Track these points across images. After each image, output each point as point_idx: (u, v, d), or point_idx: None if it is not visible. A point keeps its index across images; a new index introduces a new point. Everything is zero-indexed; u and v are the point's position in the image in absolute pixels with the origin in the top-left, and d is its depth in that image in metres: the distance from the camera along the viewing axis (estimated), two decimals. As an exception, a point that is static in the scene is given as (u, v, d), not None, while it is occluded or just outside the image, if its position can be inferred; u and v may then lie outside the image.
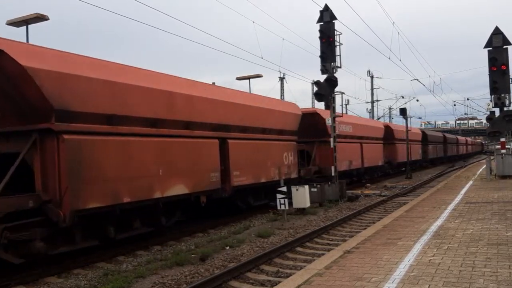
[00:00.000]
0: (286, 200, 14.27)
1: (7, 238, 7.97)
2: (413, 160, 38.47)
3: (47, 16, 11.93)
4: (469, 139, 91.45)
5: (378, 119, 54.19)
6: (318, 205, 17.54)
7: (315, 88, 20.11)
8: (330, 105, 20.45)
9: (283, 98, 50.02)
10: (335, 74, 19.63)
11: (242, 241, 11.35)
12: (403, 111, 36.00)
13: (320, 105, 26.90)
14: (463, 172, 33.82)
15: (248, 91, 23.57)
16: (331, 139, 19.92)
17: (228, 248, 10.68)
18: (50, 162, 8.77)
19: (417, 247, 7.90)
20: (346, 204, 18.44)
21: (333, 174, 19.58)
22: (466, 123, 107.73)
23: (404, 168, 36.71)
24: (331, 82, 19.46)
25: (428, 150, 46.47)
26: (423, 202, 14.89)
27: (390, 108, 64.64)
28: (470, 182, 22.01)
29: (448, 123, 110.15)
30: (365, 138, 27.59)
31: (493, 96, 23.51)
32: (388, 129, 34.18)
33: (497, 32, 22.95)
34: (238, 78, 24.49)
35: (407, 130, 36.26)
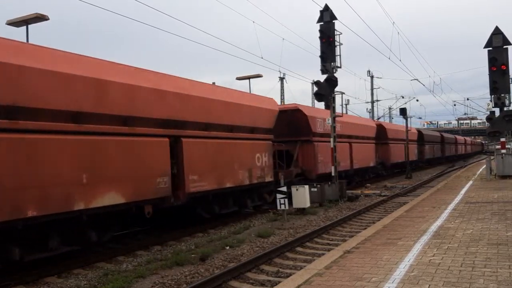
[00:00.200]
0: (286, 200, 14.27)
1: None
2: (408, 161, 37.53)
3: (47, 16, 11.93)
4: (468, 139, 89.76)
5: (378, 119, 54.15)
6: (318, 205, 17.54)
7: (315, 88, 20.11)
8: (330, 105, 20.45)
9: (283, 98, 50.11)
10: (335, 74, 19.63)
11: (242, 241, 11.35)
12: (403, 111, 36.01)
13: (320, 105, 26.58)
14: (463, 172, 33.81)
15: (248, 91, 23.54)
16: (331, 139, 19.90)
17: (228, 248, 10.69)
18: None
19: (417, 247, 7.91)
20: (346, 204, 18.45)
21: (333, 174, 19.57)
22: (468, 123, 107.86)
23: (398, 169, 35.83)
24: (331, 82, 19.46)
25: (425, 150, 45.10)
26: (423, 202, 14.89)
27: (390, 108, 64.75)
28: (470, 182, 22.02)
29: (451, 123, 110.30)
30: (355, 138, 25.91)
31: (493, 96, 23.53)
32: (380, 128, 32.48)
33: (497, 32, 22.96)
34: (238, 78, 24.48)
35: (407, 130, 36.26)
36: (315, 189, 17.83)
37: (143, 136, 10.69)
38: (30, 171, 8.07)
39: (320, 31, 19.67)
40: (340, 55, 19.83)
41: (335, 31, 19.71)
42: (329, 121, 20.09)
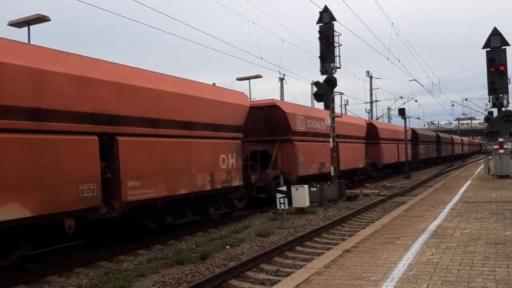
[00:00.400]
0: (286, 199, 14.33)
1: None
2: (402, 162, 35.85)
3: (49, 17, 11.98)
4: (465, 138, 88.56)
5: (377, 119, 54.26)
6: (318, 204, 17.60)
7: (315, 89, 20.17)
8: (329, 106, 20.52)
9: (283, 98, 50.13)
10: (334, 75, 19.69)
11: (242, 240, 11.41)
12: (401, 111, 36.10)
13: (320, 105, 26.53)
14: (461, 171, 33.89)
15: (248, 92, 23.54)
16: (330, 139, 19.96)
17: (228, 247, 10.75)
18: None
19: (416, 246, 7.97)
20: (345, 204, 18.52)
21: (332, 174, 19.63)
22: (469, 123, 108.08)
23: (390, 171, 34.81)
24: (331, 82, 19.52)
25: (419, 150, 43.46)
26: (422, 201, 14.96)
27: (389, 109, 64.88)
28: (468, 182, 22.09)
29: (451, 123, 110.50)
30: (342, 137, 23.95)
31: (491, 96, 23.59)
32: (371, 127, 30.39)
33: (495, 33, 23.03)
34: (238, 79, 24.60)
35: (406, 130, 36.32)
36: (315, 189, 17.90)
37: (58, 133, 8.68)
38: None
39: (320, 32, 19.74)
40: (339, 56, 19.90)
41: (334, 32, 19.78)
42: (328, 121, 20.14)
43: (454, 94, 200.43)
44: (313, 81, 26.63)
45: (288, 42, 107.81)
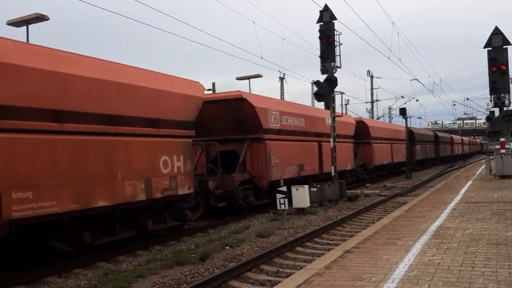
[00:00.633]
0: (286, 200, 14.28)
1: None
2: (396, 163, 34.48)
3: (47, 16, 11.95)
4: (465, 138, 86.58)
5: (378, 118, 54.21)
6: (318, 205, 17.55)
7: (315, 88, 20.13)
8: (330, 105, 20.47)
9: (283, 98, 50.08)
10: (335, 74, 19.65)
11: (242, 241, 11.37)
12: (402, 111, 36.06)
13: (320, 105, 26.28)
14: (463, 172, 33.84)
15: (248, 91, 23.38)
16: (331, 139, 19.88)
17: (228, 248, 10.70)
18: None
19: (417, 247, 7.92)
20: (346, 204, 18.47)
21: (333, 174, 19.59)
22: (473, 123, 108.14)
23: (383, 172, 33.33)
24: (331, 82, 19.48)
25: (416, 151, 41.11)
26: (423, 202, 14.91)
27: (389, 108, 64.80)
28: (470, 182, 22.04)
29: (456, 123, 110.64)
30: (326, 136, 21.17)
31: (492, 96, 23.55)
32: (361, 126, 28.05)
33: (496, 32, 22.98)
34: (238, 78, 24.54)
35: (407, 130, 36.24)
36: (315, 189, 17.85)
37: None
38: None
39: (320, 31, 19.70)
40: (340, 55, 19.87)
41: (335, 31, 19.74)
42: (328, 121, 20.08)
43: (455, 94, 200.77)
44: (313, 80, 26.49)
45: (289, 41, 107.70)
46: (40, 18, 11.75)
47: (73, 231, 9.25)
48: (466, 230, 9.25)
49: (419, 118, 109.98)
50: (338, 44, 19.89)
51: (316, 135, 20.66)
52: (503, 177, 22.72)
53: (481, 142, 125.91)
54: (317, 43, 19.81)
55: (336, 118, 22.40)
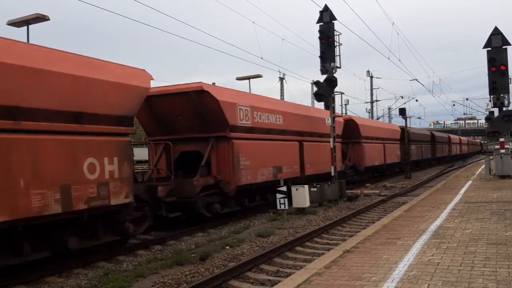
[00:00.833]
0: (286, 200, 14.30)
1: None
2: (389, 164, 32.76)
3: (48, 16, 11.96)
4: (464, 138, 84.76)
5: (378, 119, 54.19)
6: (318, 205, 17.56)
7: (315, 88, 20.15)
8: (329, 105, 20.50)
9: (283, 98, 50.11)
10: (334, 74, 19.68)
11: (242, 240, 11.38)
12: (402, 111, 36.11)
13: (320, 105, 26.19)
14: (462, 172, 33.85)
15: (248, 91, 23.34)
16: (331, 139, 19.89)
17: (228, 247, 10.72)
18: None
19: (417, 246, 7.94)
20: (346, 204, 18.48)
21: (332, 174, 19.60)
22: (475, 122, 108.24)
23: (377, 174, 31.84)
24: (331, 82, 19.51)
25: (410, 151, 38.76)
26: (423, 201, 14.93)
27: (389, 108, 64.84)
28: (469, 182, 22.06)
29: (458, 123, 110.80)
30: (309, 135, 19.96)
31: (492, 96, 23.57)
32: (350, 124, 26.25)
33: (496, 32, 23.00)
34: (238, 78, 24.57)
35: (407, 131, 36.24)
36: (315, 189, 17.86)
37: None
38: None
39: (320, 31, 19.73)
40: (339, 55, 19.91)
41: (335, 32, 19.78)
42: (328, 121, 20.09)
43: (455, 94, 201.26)
44: (313, 80, 26.50)
45: (288, 41, 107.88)
46: (40, 18, 11.77)
47: None
48: (466, 230, 9.27)
49: (419, 118, 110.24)
50: (338, 44, 19.92)
51: (297, 134, 18.93)
52: (503, 177, 22.74)
53: (481, 142, 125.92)
54: (317, 43, 19.86)
55: (319, 115, 21.16)
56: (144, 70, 10.88)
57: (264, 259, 9.19)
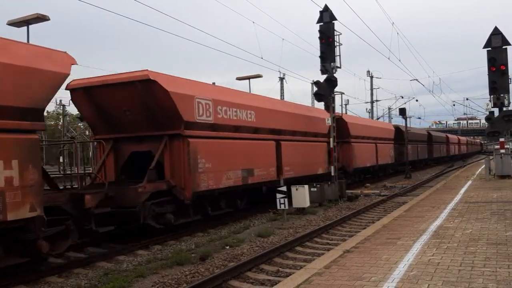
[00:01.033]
0: (286, 200, 14.30)
1: None
2: (382, 165, 30.89)
3: (48, 16, 11.96)
4: (463, 138, 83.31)
5: (378, 119, 54.16)
6: (318, 205, 17.56)
7: (315, 88, 20.15)
8: (330, 105, 20.49)
9: (283, 98, 50.10)
10: (334, 74, 19.68)
11: (242, 240, 11.38)
12: (402, 111, 36.10)
13: (320, 105, 26.01)
14: (462, 172, 33.86)
15: (248, 91, 23.29)
16: (331, 139, 19.86)
17: (228, 247, 10.72)
18: None
19: (417, 246, 7.94)
20: (346, 204, 18.49)
21: (332, 174, 19.60)
22: (477, 122, 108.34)
23: (368, 175, 29.88)
24: (331, 82, 19.51)
25: (405, 151, 37.02)
26: (423, 201, 14.93)
27: (389, 108, 64.85)
28: (469, 182, 22.06)
29: (460, 122, 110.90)
30: (290, 133, 18.04)
31: (492, 96, 23.57)
32: (339, 122, 23.21)
33: (496, 32, 23.01)
34: (238, 78, 24.57)
35: (406, 131, 36.22)
36: (315, 189, 17.85)
37: None
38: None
39: (320, 31, 19.74)
40: (339, 55, 19.92)
41: (335, 32, 19.78)
42: (328, 121, 20.06)
43: (455, 94, 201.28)
44: (313, 80, 26.45)
45: (288, 41, 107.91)
46: (40, 18, 11.76)
47: None
48: (466, 230, 9.27)
49: (419, 118, 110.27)
50: (338, 44, 19.93)
51: (274, 132, 16.91)
52: (503, 177, 22.75)
53: (481, 142, 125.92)
54: (317, 43, 19.86)
55: (300, 112, 19.44)
56: (64, 52, 9.05)
57: (264, 259, 9.19)
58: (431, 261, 6.84)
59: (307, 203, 16.01)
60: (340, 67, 19.84)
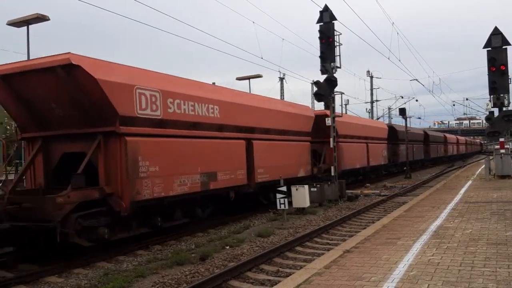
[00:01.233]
0: (286, 200, 14.30)
1: None
2: (373, 166, 28.90)
3: (48, 16, 11.96)
4: (462, 138, 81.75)
5: (378, 119, 54.15)
6: (318, 205, 17.57)
7: (315, 88, 20.15)
8: (330, 105, 20.49)
9: (283, 98, 50.12)
10: (334, 74, 19.69)
11: (242, 240, 11.38)
12: (402, 111, 36.11)
13: (320, 105, 25.89)
14: (462, 172, 33.87)
15: (248, 91, 23.25)
16: (331, 139, 19.84)
17: (228, 247, 10.72)
18: None
19: (417, 246, 7.94)
20: (346, 204, 18.49)
21: (332, 174, 19.60)
22: (480, 122, 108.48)
23: (360, 177, 28.19)
24: (331, 82, 19.52)
25: (399, 151, 35.46)
26: (423, 201, 14.93)
27: (389, 108, 64.84)
28: (469, 182, 22.06)
29: (462, 122, 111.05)
30: (264, 132, 16.03)
31: (492, 96, 23.59)
32: (325, 121, 21.13)
33: (496, 32, 23.02)
34: (238, 78, 24.56)
35: (406, 130, 36.23)
36: (315, 189, 17.87)
37: None
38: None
39: (320, 31, 19.76)
40: (339, 55, 19.94)
41: (335, 32, 19.79)
42: (329, 121, 20.04)
43: (455, 94, 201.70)
44: (313, 80, 26.45)
45: (288, 41, 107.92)
46: (40, 18, 11.76)
47: None
48: (466, 230, 9.27)
49: (419, 118, 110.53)
50: (338, 44, 19.93)
51: (244, 130, 14.77)
52: (503, 177, 22.76)
53: (481, 142, 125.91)
54: (317, 43, 19.87)
55: (284, 109, 17.84)
56: None
57: (264, 259, 9.19)
58: (431, 261, 6.84)
59: (307, 203, 16.01)
60: (340, 67, 19.86)
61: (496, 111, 24.36)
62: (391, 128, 34.86)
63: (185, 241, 11.78)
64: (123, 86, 10.13)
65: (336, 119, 22.48)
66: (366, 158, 27.64)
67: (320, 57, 19.70)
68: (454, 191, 17.77)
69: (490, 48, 23.02)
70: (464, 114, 74.58)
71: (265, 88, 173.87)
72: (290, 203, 15.12)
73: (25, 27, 12.11)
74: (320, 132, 20.93)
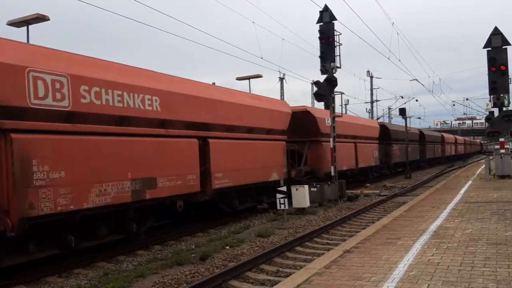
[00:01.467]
0: (286, 200, 14.30)
1: None
2: (362, 168, 26.75)
3: (48, 16, 11.95)
4: (460, 138, 79.81)
5: (378, 119, 54.14)
6: (318, 205, 17.57)
7: (315, 88, 20.14)
8: (329, 105, 20.49)
9: (283, 98, 50.14)
10: (334, 74, 19.68)
11: (242, 240, 11.39)
12: (402, 111, 36.11)
13: (320, 105, 25.92)
14: (462, 172, 33.87)
15: (248, 92, 23.23)
16: (331, 139, 19.85)
17: (228, 247, 10.72)
18: None
19: (417, 246, 7.94)
20: (346, 204, 18.49)
21: (332, 174, 19.59)
22: (482, 122, 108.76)
23: (350, 179, 24.89)
24: (331, 82, 19.51)
25: (393, 152, 33.54)
26: (423, 201, 14.93)
27: (389, 108, 64.81)
28: (469, 182, 22.06)
29: (465, 122, 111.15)
30: (224, 129, 13.78)
31: (492, 96, 23.59)
32: (305, 117, 20.32)
33: (496, 32, 23.02)
34: (238, 78, 24.55)
35: (406, 130, 36.21)
36: (315, 189, 17.86)
37: None
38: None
39: (320, 31, 19.74)
40: (339, 55, 19.91)
41: (335, 32, 19.78)
42: (328, 121, 20.02)
43: (455, 94, 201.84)
44: (313, 80, 26.44)
45: (288, 41, 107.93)
46: (40, 18, 11.75)
47: None
48: (466, 230, 9.27)
49: (419, 118, 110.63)
50: (338, 44, 19.93)
51: (197, 126, 12.50)
52: (503, 177, 22.76)
53: (481, 142, 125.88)
54: (317, 43, 19.86)
55: (252, 103, 15.57)
56: None
57: (264, 259, 9.20)
58: (431, 261, 6.84)
59: (307, 203, 16.01)
60: (340, 67, 19.84)
61: (496, 111, 24.40)
62: (383, 127, 32.47)
63: (185, 241, 11.78)
64: (9, 67, 7.83)
65: (317, 116, 21.03)
66: (354, 159, 25.33)
67: (320, 57, 19.69)
68: (454, 191, 17.77)
69: (490, 48, 23.02)
70: (464, 114, 74.70)
71: (265, 88, 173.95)
72: (270, 204, 14.47)
73: (25, 27, 12.12)
74: (301, 130, 19.34)
